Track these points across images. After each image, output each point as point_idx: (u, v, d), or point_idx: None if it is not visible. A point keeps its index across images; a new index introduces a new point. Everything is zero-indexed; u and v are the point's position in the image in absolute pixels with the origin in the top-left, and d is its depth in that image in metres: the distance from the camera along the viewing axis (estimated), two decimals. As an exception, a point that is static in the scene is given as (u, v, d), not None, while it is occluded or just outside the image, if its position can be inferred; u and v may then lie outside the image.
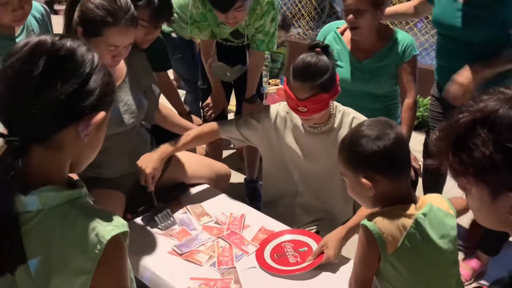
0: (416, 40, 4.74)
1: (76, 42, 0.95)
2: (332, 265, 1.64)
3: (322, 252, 1.65)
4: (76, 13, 1.65)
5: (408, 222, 1.28)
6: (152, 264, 1.66)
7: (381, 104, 2.35)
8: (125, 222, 0.96)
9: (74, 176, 1.12)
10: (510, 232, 0.88)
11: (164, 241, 1.78)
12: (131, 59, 1.91)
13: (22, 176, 0.89)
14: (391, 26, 2.41)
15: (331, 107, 1.90)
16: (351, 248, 2.03)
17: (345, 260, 1.68)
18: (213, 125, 2.08)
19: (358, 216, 1.73)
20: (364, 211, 1.74)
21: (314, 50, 1.80)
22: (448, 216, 1.36)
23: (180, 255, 1.69)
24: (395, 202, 1.31)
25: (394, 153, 1.29)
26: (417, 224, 1.29)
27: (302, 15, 5.78)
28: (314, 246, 1.72)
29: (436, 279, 1.33)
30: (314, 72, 1.74)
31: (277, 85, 4.19)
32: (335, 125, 1.90)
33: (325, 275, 1.62)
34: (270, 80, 4.06)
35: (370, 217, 1.30)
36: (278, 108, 2.01)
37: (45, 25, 2.08)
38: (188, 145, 2.03)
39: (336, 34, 2.42)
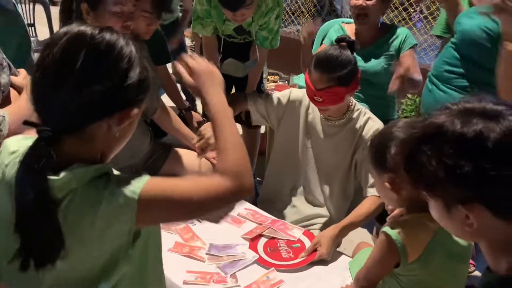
0: (415, 40, 4.79)
1: (115, 35, 0.94)
2: (325, 260, 1.66)
3: (315, 250, 1.67)
4: None
5: (431, 232, 1.26)
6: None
7: (377, 91, 2.36)
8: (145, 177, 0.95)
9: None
10: (470, 240, 0.90)
11: (164, 235, 1.78)
12: None
13: (53, 164, 0.89)
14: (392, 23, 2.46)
15: (350, 104, 1.92)
16: (347, 245, 2.06)
17: (338, 256, 1.70)
18: (244, 94, 2.11)
19: (352, 216, 1.76)
20: (358, 211, 1.77)
21: (339, 44, 1.82)
22: None
23: (233, 277, 1.58)
24: (420, 207, 1.25)
25: None
26: (441, 232, 1.25)
27: (302, 12, 5.79)
28: (307, 242, 1.75)
29: (450, 282, 1.34)
30: (333, 65, 1.76)
31: (276, 81, 4.21)
32: (350, 121, 1.93)
33: (319, 269, 1.64)
34: (268, 77, 4.08)
35: (394, 225, 1.28)
36: (304, 96, 2.03)
37: None
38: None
39: (340, 26, 2.47)
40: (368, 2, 2.27)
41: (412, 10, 5.10)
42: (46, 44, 0.93)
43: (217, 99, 1.10)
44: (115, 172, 1.01)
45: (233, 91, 2.86)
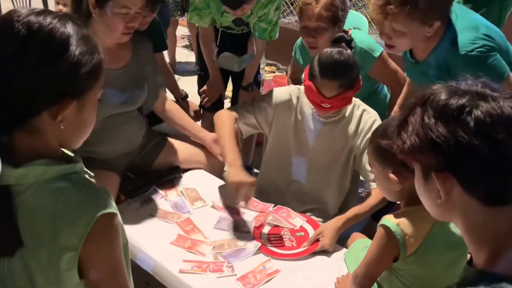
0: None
1: (42, 17, 0.87)
2: (323, 251, 1.67)
3: (317, 240, 1.68)
4: None
5: (430, 223, 1.27)
6: (146, 246, 1.68)
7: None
8: (114, 204, 0.94)
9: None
10: (443, 218, 0.89)
11: (161, 224, 1.80)
12: (138, 46, 1.95)
13: (10, 150, 0.88)
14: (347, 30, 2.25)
15: None
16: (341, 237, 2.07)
17: (338, 248, 1.71)
18: (232, 114, 2.00)
19: (356, 208, 1.76)
20: (363, 204, 1.77)
21: (339, 45, 1.78)
22: None
23: (229, 266, 1.59)
24: (419, 200, 1.29)
25: None
26: (439, 224, 1.27)
27: (301, 3, 5.76)
28: (311, 231, 1.76)
29: (449, 274, 1.32)
30: (343, 71, 1.72)
31: (274, 72, 4.20)
32: (345, 117, 1.91)
33: (314, 260, 1.65)
34: (266, 68, 4.07)
35: (392, 218, 1.28)
36: (290, 92, 2.00)
37: None
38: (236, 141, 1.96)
39: (302, 41, 2.38)
40: (319, 39, 2.12)
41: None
42: None
43: None
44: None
45: (230, 82, 2.86)
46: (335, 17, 2.12)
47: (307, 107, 1.95)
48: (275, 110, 2.00)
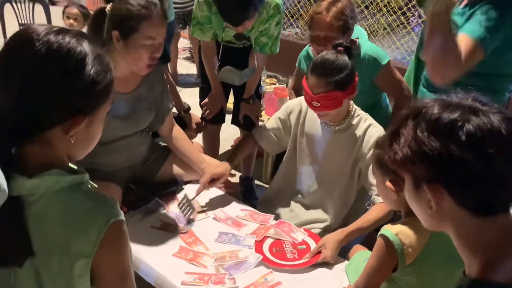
0: (413, 44, 4.81)
1: (61, 36, 0.90)
2: (325, 263, 1.68)
3: (319, 252, 1.69)
4: (107, 20, 1.74)
5: (428, 234, 1.29)
6: (149, 257, 1.68)
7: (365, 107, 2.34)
8: (121, 212, 0.97)
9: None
10: (434, 228, 0.91)
11: (163, 236, 1.81)
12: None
13: (21, 161, 0.91)
14: (355, 39, 2.27)
15: (351, 109, 1.93)
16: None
17: (340, 260, 1.72)
18: (249, 136, 2.19)
19: (359, 222, 1.77)
20: (366, 218, 1.78)
21: (337, 49, 1.83)
22: None
23: (231, 279, 1.60)
24: None
25: None
26: (437, 235, 1.29)
27: (301, 15, 5.80)
28: (312, 244, 1.77)
29: (448, 285, 1.34)
30: (330, 69, 1.78)
31: (274, 84, 4.21)
32: (350, 127, 1.93)
33: (316, 272, 1.66)
34: (267, 80, 4.08)
35: (391, 228, 1.30)
36: (302, 102, 2.05)
37: None
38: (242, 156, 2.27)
39: (307, 52, 2.43)
40: (328, 47, 2.07)
41: (411, 15, 5.13)
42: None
43: None
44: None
45: (231, 94, 2.88)
46: (346, 26, 2.15)
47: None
48: (288, 121, 2.09)
